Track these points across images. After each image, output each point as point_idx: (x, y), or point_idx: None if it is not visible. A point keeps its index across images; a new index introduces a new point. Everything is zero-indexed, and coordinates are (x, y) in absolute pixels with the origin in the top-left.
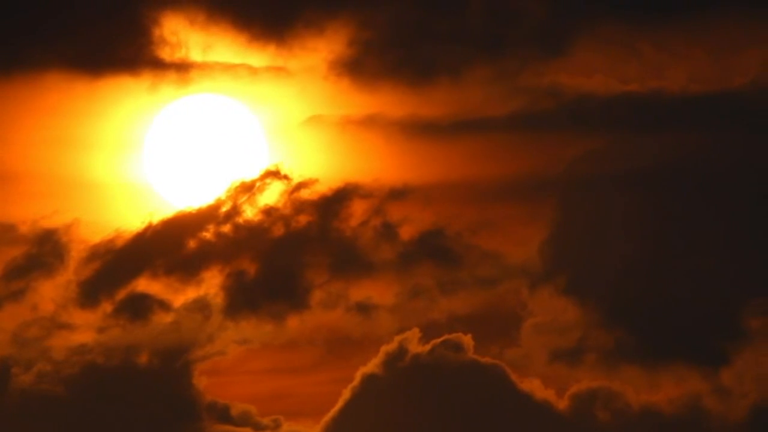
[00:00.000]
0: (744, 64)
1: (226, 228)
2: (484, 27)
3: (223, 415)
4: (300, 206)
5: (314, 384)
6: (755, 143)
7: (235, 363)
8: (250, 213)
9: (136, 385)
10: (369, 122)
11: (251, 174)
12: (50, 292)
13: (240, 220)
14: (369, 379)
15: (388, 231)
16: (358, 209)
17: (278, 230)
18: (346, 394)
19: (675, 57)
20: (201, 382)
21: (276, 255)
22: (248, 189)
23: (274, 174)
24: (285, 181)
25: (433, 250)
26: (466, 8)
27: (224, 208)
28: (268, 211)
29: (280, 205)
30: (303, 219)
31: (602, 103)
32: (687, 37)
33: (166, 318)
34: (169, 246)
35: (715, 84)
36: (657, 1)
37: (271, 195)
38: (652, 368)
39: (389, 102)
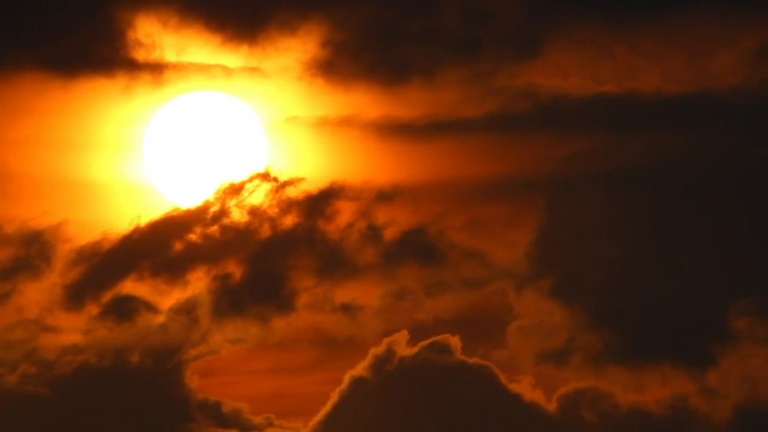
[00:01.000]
0: (718, 64)
1: (214, 230)
2: (459, 28)
3: (214, 413)
4: (286, 207)
5: (312, 384)
6: (734, 143)
7: (231, 363)
8: (237, 214)
9: (125, 386)
10: (345, 123)
11: (240, 175)
12: (36, 295)
13: (228, 221)
14: (357, 382)
15: (372, 232)
16: (342, 210)
17: (265, 232)
18: (334, 397)
19: (649, 58)
20: (193, 381)
21: (263, 257)
22: (237, 191)
23: (263, 176)
24: (273, 183)
25: (417, 250)
26: (440, 9)
27: (212, 210)
28: (255, 213)
29: (266, 206)
30: (289, 220)
31: (578, 103)
32: (660, 38)
33: (153, 320)
34: (156, 248)
35: (690, 85)
36: (630, 2)
37: (259, 196)
38: (639, 369)
39: (364, 103)
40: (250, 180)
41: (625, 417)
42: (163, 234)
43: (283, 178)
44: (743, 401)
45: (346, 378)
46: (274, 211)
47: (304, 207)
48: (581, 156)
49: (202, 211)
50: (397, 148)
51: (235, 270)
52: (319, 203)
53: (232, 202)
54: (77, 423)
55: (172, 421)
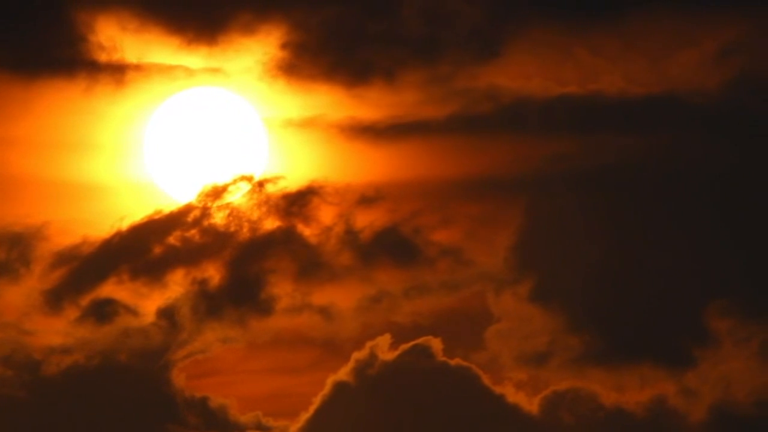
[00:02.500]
0: (680, 66)
1: (195, 233)
2: (419, 29)
3: (201, 410)
4: (263, 209)
5: (309, 384)
6: (699, 144)
7: (224, 362)
8: (218, 217)
9: (107, 388)
10: (310, 124)
11: (222, 178)
12: (15, 299)
13: (209, 224)
14: (340, 387)
15: (347, 233)
16: (317, 212)
17: (244, 234)
18: (316, 401)
19: (610, 60)
20: (179, 380)
21: (243, 260)
22: (219, 193)
23: (247, 179)
24: (254, 185)
25: (393, 250)
26: (400, 10)
27: (194, 213)
28: (235, 215)
29: (246, 208)
30: (267, 222)
31: (541, 105)
32: (621, 40)
33: (133, 323)
34: (137, 251)
35: (654, 86)
36: (590, 4)
37: (240, 199)
38: (620, 370)
39: (327, 104)
40: (234, 182)
41: (607, 418)
42: (145, 237)
43: (264, 178)
44: (721, 402)
45: (329, 383)
46: (253, 212)
47: (281, 208)
48: (550, 157)
49: (184, 213)
50: (362, 148)
51: (216, 272)
52: (295, 204)
53: (213, 203)
54: (55, 427)
55: (158, 422)
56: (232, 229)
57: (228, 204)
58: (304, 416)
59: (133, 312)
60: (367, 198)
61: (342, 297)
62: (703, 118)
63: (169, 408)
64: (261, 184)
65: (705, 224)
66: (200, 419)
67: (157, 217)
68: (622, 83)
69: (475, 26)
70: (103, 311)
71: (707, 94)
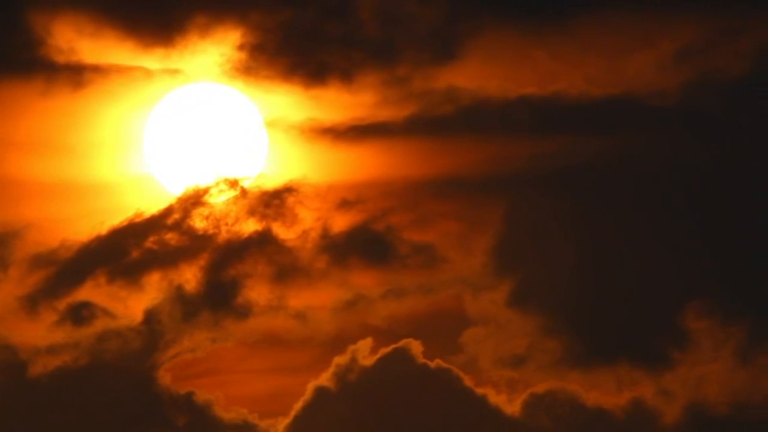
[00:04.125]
0: (637, 67)
1: (175, 236)
2: (376, 31)
3: (186, 406)
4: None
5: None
6: (660, 145)
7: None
8: (198, 220)
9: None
10: (270, 125)
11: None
12: None
13: (188, 227)
14: (320, 392)
15: (318, 235)
16: (290, 213)
17: (222, 237)
18: (297, 406)
19: (568, 62)
20: (166, 378)
21: (220, 263)
22: (200, 196)
23: (230, 183)
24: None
25: (369, 251)
26: (357, 12)
27: (174, 216)
28: (213, 218)
29: (224, 211)
30: (241, 224)
31: (501, 107)
32: (579, 42)
33: (112, 325)
34: (116, 254)
35: (613, 87)
36: (547, 5)
37: (220, 202)
38: (599, 372)
39: (286, 106)
40: (216, 185)
41: (587, 420)
42: (124, 241)
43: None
44: (698, 403)
45: (309, 388)
46: (225, 214)
47: (251, 210)
48: (515, 158)
49: (164, 216)
50: (325, 149)
51: (193, 276)
52: (268, 205)
53: (194, 206)
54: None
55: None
56: (206, 231)
57: (208, 205)
58: (290, 416)
59: (111, 315)
60: (339, 201)
61: (317, 300)
62: (662, 119)
63: (155, 408)
64: (234, 185)
65: (680, 225)
66: (187, 417)
67: (138, 219)
68: (582, 85)
69: (432, 28)
70: (81, 314)
71: (666, 95)
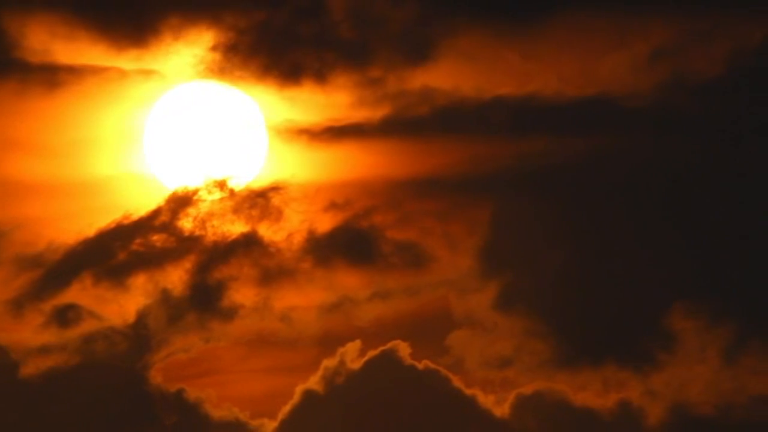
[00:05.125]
0: (611, 68)
1: (162, 238)
2: (349, 32)
3: (176, 403)
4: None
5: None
6: (642, 144)
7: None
8: (185, 222)
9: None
10: (248, 126)
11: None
12: None
13: (175, 229)
14: (308, 395)
15: (303, 235)
16: (273, 214)
17: (208, 239)
18: (285, 409)
19: (542, 63)
20: (157, 377)
21: (207, 265)
22: (188, 198)
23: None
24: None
25: (353, 252)
26: (330, 13)
27: (161, 218)
28: (200, 220)
29: (211, 213)
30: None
31: (476, 107)
32: (553, 42)
33: (99, 328)
34: (103, 257)
35: (588, 88)
36: (518, 8)
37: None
38: (586, 373)
39: (263, 106)
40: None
41: (574, 420)
42: (111, 242)
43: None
44: (684, 403)
45: (298, 391)
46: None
47: (233, 211)
48: (490, 159)
49: (151, 218)
50: (302, 150)
51: (179, 278)
52: (250, 205)
53: (181, 208)
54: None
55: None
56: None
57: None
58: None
59: (97, 317)
60: (325, 202)
61: (305, 301)
62: (637, 119)
63: (147, 407)
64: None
65: (662, 226)
66: (177, 415)
67: (123, 222)
68: (557, 85)
69: (405, 29)
70: (67, 316)
71: (640, 95)
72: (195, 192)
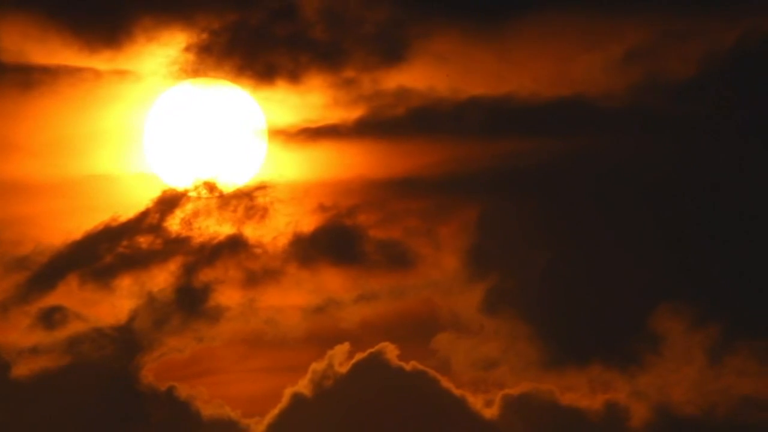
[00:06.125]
0: (586, 68)
1: (149, 240)
2: (323, 33)
3: (167, 401)
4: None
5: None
6: (617, 144)
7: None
8: (173, 224)
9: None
10: (225, 128)
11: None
12: None
13: (163, 231)
14: (297, 398)
15: (288, 236)
16: (257, 215)
17: (195, 241)
18: (273, 412)
19: (517, 64)
20: (149, 376)
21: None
22: (176, 199)
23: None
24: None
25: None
26: (303, 14)
27: (148, 220)
28: (187, 222)
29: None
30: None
31: (452, 108)
32: (527, 43)
33: (86, 330)
34: (90, 258)
35: (564, 89)
36: (494, 8)
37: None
38: (572, 374)
39: (238, 107)
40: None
41: (561, 420)
42: (98, 245)
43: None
44: (670, 404)
45: (286, 394)
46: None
47: (216, 213)
48: (469, 160)
49: (140, 220)
50: (277, 151)
51: (166, 279)
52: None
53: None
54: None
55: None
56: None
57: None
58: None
59: (84, 319)
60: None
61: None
62: (611, 120)
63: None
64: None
65: (644, 227)
66: (168, 413)
67: (110, 224)
68: (531, 86)
69: (379, 30)
70: (53, 318)
71: (614, 96)
72: (184, 193)
